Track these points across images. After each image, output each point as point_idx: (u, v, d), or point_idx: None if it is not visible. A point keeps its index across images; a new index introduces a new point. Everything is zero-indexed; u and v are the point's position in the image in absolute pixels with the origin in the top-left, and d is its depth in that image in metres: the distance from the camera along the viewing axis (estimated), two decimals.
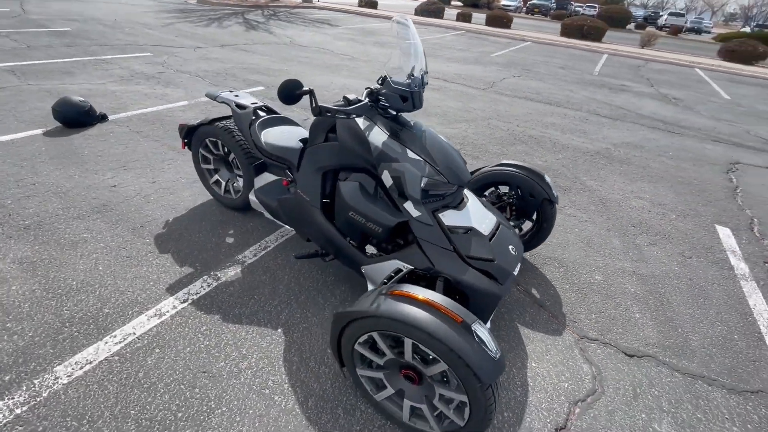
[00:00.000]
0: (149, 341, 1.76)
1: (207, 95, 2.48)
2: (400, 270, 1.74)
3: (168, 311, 1.92)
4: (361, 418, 1.56)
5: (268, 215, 2.44)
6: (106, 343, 1.73)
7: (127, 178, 3.01)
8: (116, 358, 1.67)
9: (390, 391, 1.46)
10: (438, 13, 18.32)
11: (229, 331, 1.86)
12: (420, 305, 1.25)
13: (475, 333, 1.20)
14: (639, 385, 1.83)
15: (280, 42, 9.21)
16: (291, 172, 2.18)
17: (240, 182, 2.62)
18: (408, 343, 1.27)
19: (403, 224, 1.81)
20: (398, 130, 1.76)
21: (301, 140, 2.21)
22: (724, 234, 3.19)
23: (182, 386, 1.59)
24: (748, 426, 1.70)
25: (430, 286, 1.73)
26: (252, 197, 2.42)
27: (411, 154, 1.69)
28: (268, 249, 2.43)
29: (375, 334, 1.34)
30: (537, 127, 5.26)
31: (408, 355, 1.31)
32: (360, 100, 1.71)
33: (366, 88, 1.82)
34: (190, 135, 2.62)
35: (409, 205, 1.71)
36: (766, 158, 5.06)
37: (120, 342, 1.74)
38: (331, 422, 1.53)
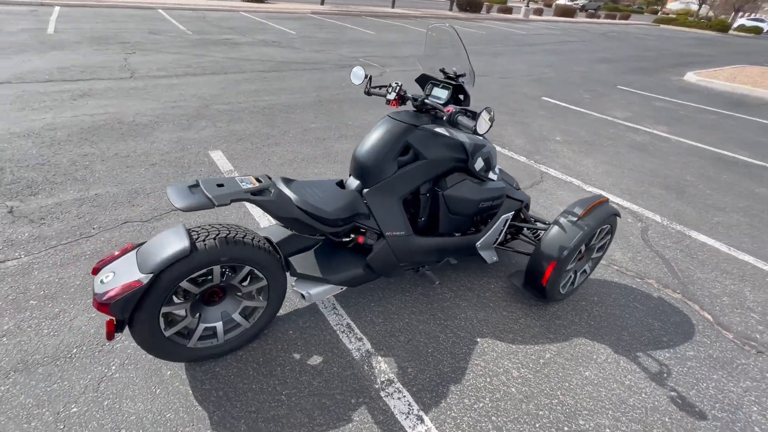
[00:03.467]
0: None
1: (185, 208, 1.27)
2: (508, 220, 2.22)
3: None
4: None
5: (322, 293, 1.84)
6: None
7: None
8: None
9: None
10: None
11: (514, 404, 1.76)
12: (594, 209, 2.00)
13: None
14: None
15: None
16: (362, 225, 1.83)
17: (254, 302, 1.71)
18: (600, 230, 2.03)
19: None
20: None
21: (339, 185, 1.87)
22: None
23: None
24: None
25: (518, 214, 2.37)
26: (313, 291, 1.77)
27: (479, 137, 2.04)
28: (355, 328, 1.97)
29: (582, 246, 1.98)
30: (272, 94, 5.27)
31: (596, 241, 2.07)
32: (469, 110, 1.81)
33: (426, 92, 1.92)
34: (142, 301, 1.33)
35: (491, 174, 2.13)
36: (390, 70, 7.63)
37: None
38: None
